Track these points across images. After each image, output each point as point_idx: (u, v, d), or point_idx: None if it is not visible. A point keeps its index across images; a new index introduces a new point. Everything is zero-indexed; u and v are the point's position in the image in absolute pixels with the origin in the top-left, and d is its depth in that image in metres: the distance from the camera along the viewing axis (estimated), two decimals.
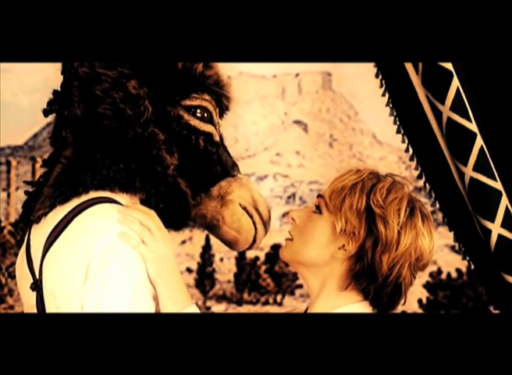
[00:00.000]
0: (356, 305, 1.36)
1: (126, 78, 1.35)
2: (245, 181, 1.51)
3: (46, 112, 1.42)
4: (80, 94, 1.35)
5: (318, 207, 1.39)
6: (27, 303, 1.35)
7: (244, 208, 1.49)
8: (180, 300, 1.28)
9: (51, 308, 1.28)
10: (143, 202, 1.35)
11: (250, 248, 1.55)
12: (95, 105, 1.33)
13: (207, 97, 1.45)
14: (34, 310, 1.31)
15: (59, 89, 1.41)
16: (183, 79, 1.42)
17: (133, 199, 1.35)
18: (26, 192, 1.42)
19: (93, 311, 1.20)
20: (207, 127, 1.46)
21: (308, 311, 1.42)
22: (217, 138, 1.49)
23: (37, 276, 1.30)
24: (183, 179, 1.39)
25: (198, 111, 1.44)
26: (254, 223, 1.50)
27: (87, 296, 1.20)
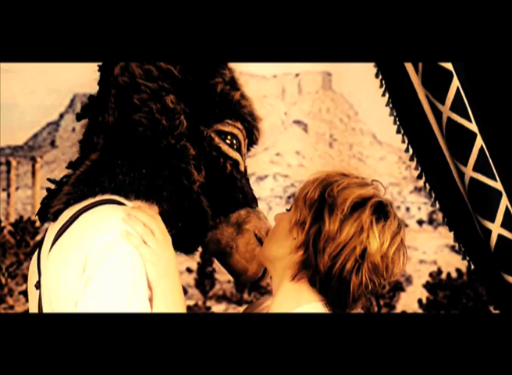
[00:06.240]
0: (312, 304, 1.34)
1: (165, 92, 1.36)
2: (262, 215, 1.53)
3: (79, 117, 1.45)
4: (116, 101, 1.36)
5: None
6: (32, 302, 1.35)
7: (259, 240, 1.49)
8: (174, 306, 1.25)
9: (45, 302, 1.27)
10: (162, 217, 1.33)
11: (256, 282, 1.54)
12: (131, 112, 1.34)
13: (239, 125, 1.49)
14: (37, 309, 1.30)
15: (95, 95, 1.43)
16: (220, 102, 1.45)
17: (152, 208, 1.34)
18: (47, 189, 1.43)
19: (88, 304, 1.18)
20: (235, 155, 1.49)
21: (269, 307, 1.40)
22: (242, 168, 1.52)
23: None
24: (206, 198, 1.41)
25: (228, 137, 1.48)
26: None
27: (83, 289, 1.18)
